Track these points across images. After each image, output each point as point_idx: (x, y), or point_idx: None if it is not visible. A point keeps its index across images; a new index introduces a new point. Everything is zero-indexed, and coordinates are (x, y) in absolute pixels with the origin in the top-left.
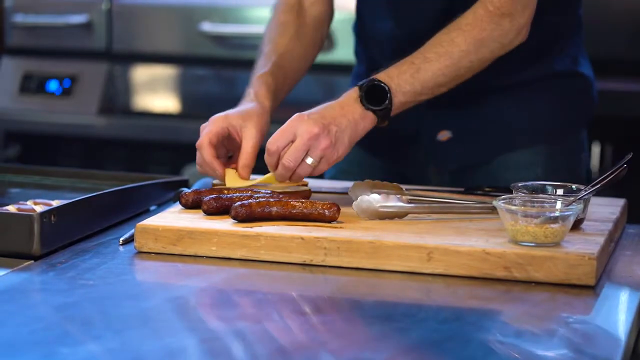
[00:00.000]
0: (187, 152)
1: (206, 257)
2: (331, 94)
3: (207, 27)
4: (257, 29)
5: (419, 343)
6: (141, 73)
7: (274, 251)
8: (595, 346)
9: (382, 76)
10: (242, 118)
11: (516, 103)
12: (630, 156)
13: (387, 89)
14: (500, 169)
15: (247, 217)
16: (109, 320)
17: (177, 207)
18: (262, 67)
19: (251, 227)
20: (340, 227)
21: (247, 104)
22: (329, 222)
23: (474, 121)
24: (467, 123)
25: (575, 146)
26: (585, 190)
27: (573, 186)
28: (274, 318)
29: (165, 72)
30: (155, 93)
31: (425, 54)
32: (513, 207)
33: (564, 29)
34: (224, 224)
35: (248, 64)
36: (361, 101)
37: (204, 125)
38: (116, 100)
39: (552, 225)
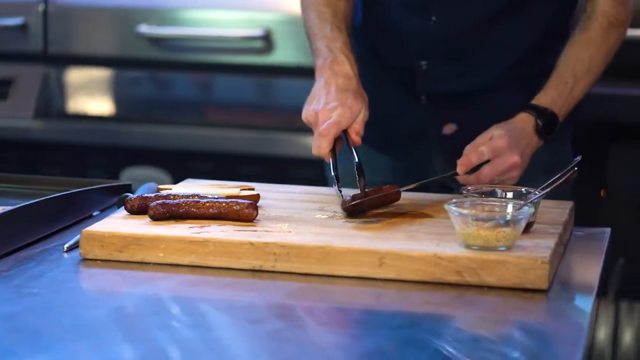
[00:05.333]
0: (125, 155)
1: (154, 263)
2: (269, 96)
3: (145, 29)
4: (195, 31)
5: (374, 350)
6: (78, 76)
7: (223, 257)
8: (553, 351)
9: (547, 101)
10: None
11: (518, 95)
12: (579, 159)
13: (558, 118)
14: None
15: (164, 215)
16: (57, 331)
17: (122, 212)
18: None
19: (199, 232)
20: (290, 232)
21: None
22: (246, 221)
23: (479, 114)
24: (471, 116)
25: (567, 138)
26: (536, 194)
27: (523, 189)
28: (223, 327)
29: (102, 74)
30: (93, 96)
31: (574, 72)
32: (464, 211)
33: (563, 26)
34: (172, 230)
35: (185, 67)
36: (539, 133)
37: (329, 107)
38: (52, 103)
39: (504, 229)
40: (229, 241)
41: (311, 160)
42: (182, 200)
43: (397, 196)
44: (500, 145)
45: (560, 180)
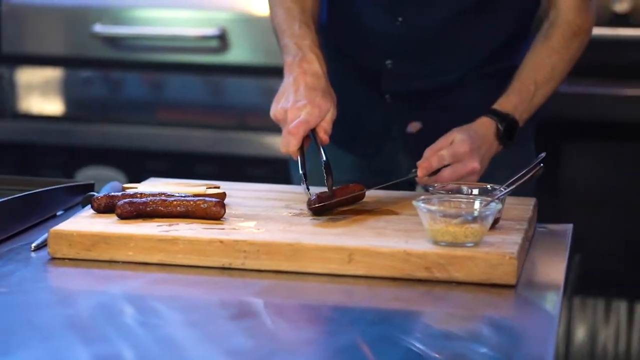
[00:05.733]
0: (79, 155)
1: (122, 262)
2: (224, 95)
3: (99, 28)
4: (149, 30)
5: (345, 347)
6: (31, 75)
7: (192, 255)
8: (524, 346)
9: (508, 107)
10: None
11: (482, 95)
12: (544, 155)
13: (518, 124)
14: None
15: (131, 214)
16: (33, 328)
17: (89, 211)
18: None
19: (168, 231)
20: (258, 230)
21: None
22: (214, 219)
23: (443, 113)
24: (436, 114)
25: (531, 136)
26: (502, 190)
27: (488, 186)
28: (199, 324)
29: (55, 74)
30: (46, 96)
31: (535, 79)
32: (432, 207)
33: (525, 28)
34: (140, 229)
35: (139, 66)
36: (500, 138)
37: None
38: (6, 103)
39: (472, 225)
40: (199, 239)
41: (265, 159)
42: (149, 199)
43: (363, 195)
44: (461, 150)
45: (526, 177)
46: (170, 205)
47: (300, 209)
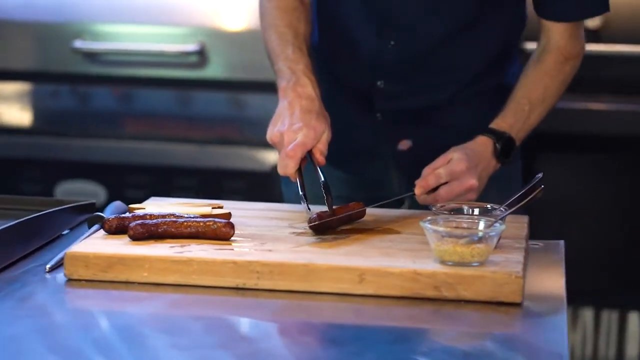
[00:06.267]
0: (59, 169)
1: (138, 283)
2: (202, 110)
3: (78, 44)
4: (125, 46)
5: None
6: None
7: (206, 275)
8: None
9: (505, 126)
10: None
11: (471, 112)
12: (541, 176)
13: (515, 143)
14: None
15: (143, 235)
16: (62, 351)
17: (100, 232)
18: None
19: (182, 252)
20: (270, 251)
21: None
22: (223, 239)
23: (433, 130)
24: (426, 132)
25: (518, 153)
26: (502, 210)
27: (488, 206)
28: (229, 345)
29: (30, 88)
30: (23, 110)
31: (529, 99)
32: (440, 228)
33: (512, 48)
34: (154, 250)
35: (117, 81)
36: (497, 156)
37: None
38: None
39: (478, 245)
40: (212, 260)
41: (244, 172)
42: (160, 220)
43: (363, 214)
44: (458, 169)
45: (528, 198)
46: (180, 227)
47: (304, 228)
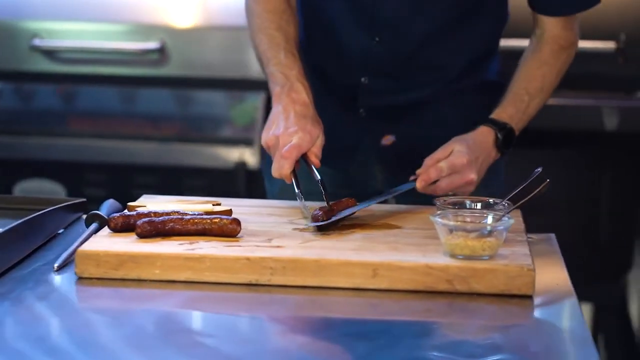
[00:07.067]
0: (16, 168)
1: (149, 280)
2: (164, 107)
3: (37, 42)
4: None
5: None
6: None
7: (219, 272)
8: (570, 353)
9: (505, 117)
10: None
11: (454, 109)
12: (541, 170)
13: (515, 133)
14: None
15: (151, 232)
16: (99, 349)
17: (105, 231)
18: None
19: (193, 249)
20: (279, 247)
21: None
22: (230, 236)
23: (416, 126)
24: (409, 128)
25: None
26: (504, 204)
27: (490, 200)
28: (254, 341)
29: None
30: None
31: (528, 90)
32: (451, 223)
33: (494, 46)
34: (163, 247)
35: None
36: (498, 146)
37: (289, 132)
38: None
39: (489, 239)
40: (225, 257)
41: (204, 170)
42: (166, 217)
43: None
44: (459, 162)
45: (535, 192)
46: (187, 224)
47: (306, 225)
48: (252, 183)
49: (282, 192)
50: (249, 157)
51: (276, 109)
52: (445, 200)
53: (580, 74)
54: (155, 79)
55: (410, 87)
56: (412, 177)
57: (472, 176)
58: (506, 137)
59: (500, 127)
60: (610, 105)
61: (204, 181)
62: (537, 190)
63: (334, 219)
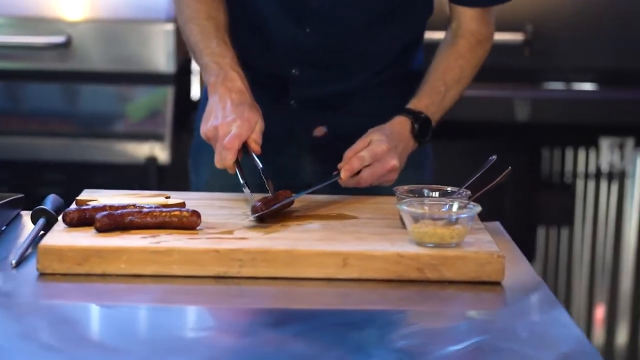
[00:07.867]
0: None
1: (115, 275)
2: (69, 102)
3: None
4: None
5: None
6: None
7: (187, 265)
8: (553, 339)
9: (421, 107)
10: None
11: (382, 99)
12: (495, 158)
13: (432, 123)
14: None
15: (110, 226)
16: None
17: (60, 225)
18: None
19: (158, 242)
20: (243, 239)
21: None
22: (189, 229)
23: (346, 117)
24: (340, 119)
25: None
26: (461, 192)
27: (448, 188)
28: (237, 333)
29: None
30: None
31: (444, 81)
32: (420, 211)
33: (420, 37)
34: (127, 241)
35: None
36: (415, 135)
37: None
38: None
39: (456, 227)
40: (194, 249)
41: (111, 165)
42: (124, 210)
43: (292, 200)
44: (380, 150)
45: (495, 181)
46: (146, 217)
47: (248, 217)
48: (164, 179)
49: (208, 185)
50: (159, 152)
51: (212, 99)
52: (404, 189)
53: (489, 65)
54: (49, 74)
55: (340, 77)
56: (334, 172)
57: (394, 162)
58: (422, 127)
59: (416, 116)
60: (521, 97)
61: (113, 177)
62: (500, 177)
63: (272, 208)
